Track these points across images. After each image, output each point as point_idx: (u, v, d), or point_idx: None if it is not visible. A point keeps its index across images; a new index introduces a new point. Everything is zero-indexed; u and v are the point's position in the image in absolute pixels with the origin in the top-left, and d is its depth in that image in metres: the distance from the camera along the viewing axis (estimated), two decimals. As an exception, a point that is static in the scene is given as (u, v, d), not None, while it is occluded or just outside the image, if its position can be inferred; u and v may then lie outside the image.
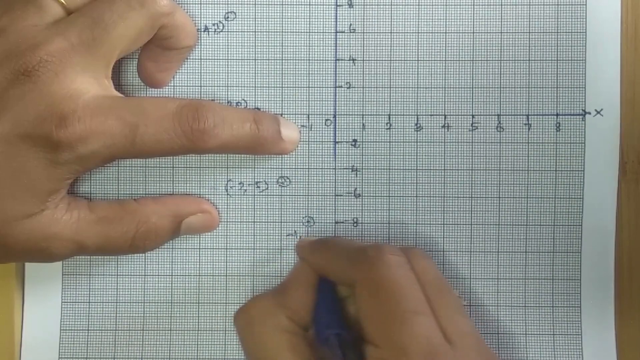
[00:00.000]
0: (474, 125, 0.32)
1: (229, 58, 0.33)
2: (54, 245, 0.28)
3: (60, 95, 0.27)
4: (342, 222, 0.33)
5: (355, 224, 0.33)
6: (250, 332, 0.29)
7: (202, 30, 0.33)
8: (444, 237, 0.33)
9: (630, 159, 0.32)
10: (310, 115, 0.33)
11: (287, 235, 0.33)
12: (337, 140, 0.33)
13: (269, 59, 0.33)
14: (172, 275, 0.33)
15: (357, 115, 0.33)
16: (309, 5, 0.32)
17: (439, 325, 0.27)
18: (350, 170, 0.33)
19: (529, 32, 0.32)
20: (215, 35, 0.33)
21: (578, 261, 0.32)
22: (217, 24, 0.33)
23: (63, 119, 0.27)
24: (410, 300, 0.27)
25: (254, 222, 0.33)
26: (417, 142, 0.33)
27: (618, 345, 0.32)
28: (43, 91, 0.27)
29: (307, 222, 0.33)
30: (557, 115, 0.32)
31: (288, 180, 0.33)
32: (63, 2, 0.29)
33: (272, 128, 0.31)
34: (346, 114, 0.33)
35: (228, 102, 0.33)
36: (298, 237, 0.33)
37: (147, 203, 0.31)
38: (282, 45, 0.33)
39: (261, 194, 0.33)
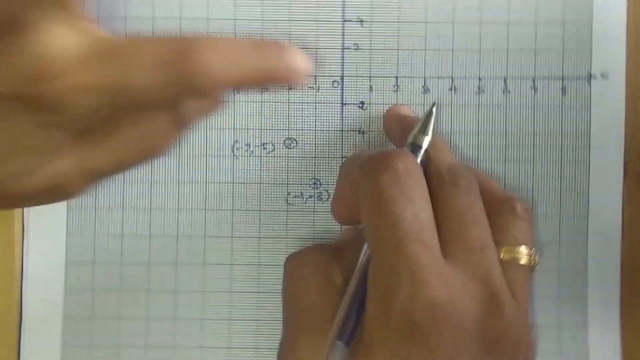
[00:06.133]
0: (480, 88, 0.33)
1: (236, 18, 0.33)
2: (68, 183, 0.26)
3: (41, 48, 0.23)
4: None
5: (362, 186, 0.32)
6: (300, 278, 0.27)
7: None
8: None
9: (632, 158, 0.32)
10: (317, 77, 0.33)
11: (293, 197, 0.33)
12: (344, 102, 0.33)
13: (276, 20, 0.33)
14: (177, 237, 0.33)
15: (365, 77, 0.33)
16: (317, -35, 0.32)
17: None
18: (357, 132, 0.33)
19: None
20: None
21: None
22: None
23: (46, 75, 0.23)
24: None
25: (260, 183, 0.33)
26: (423, 104, 0.33)
27: (623, 338, 0.32)
28: (21, 45, 0.23)
29: (314, 183, 0.33)
30: (562, 79, 0.33)
31: (295, 141, 0.33)
32: None
33: (276, 58, 0.25)
34: (353, 76, 0.33)
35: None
36: (304, 199, 0.33)
37: None
38: (289, 5, 0.33)
39: (268, 155, 0.33)
